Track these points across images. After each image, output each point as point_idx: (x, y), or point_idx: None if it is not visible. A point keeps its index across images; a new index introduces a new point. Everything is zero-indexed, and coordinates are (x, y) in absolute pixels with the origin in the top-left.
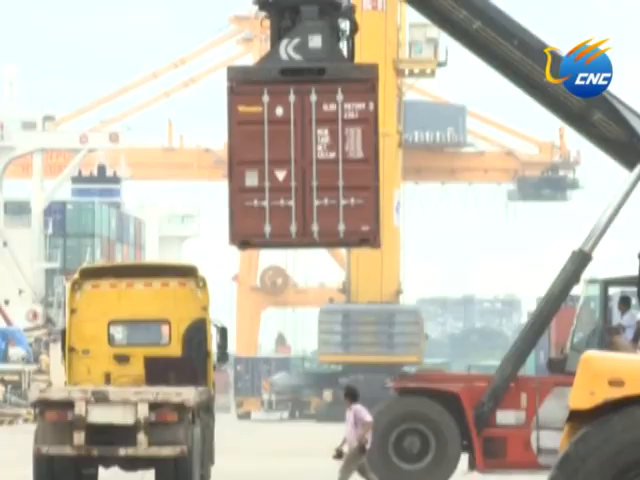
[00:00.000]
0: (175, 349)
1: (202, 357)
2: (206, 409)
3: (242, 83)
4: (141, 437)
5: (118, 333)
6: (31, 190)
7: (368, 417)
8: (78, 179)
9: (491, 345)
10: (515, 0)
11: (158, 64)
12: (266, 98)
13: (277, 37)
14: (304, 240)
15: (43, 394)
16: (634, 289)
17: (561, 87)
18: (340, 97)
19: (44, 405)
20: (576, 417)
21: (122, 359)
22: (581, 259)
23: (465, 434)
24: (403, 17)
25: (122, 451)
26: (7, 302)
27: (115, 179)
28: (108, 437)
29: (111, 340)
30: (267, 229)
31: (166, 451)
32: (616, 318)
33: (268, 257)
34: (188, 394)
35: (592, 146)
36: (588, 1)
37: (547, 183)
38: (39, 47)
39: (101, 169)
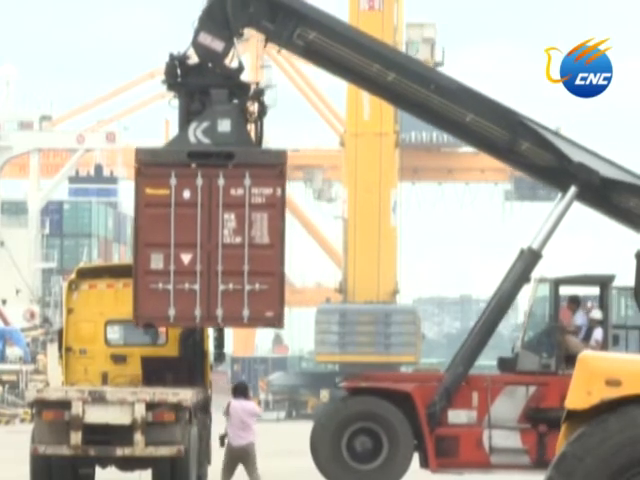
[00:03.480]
0: (172, 349)
1: (199, 357)
2: (203, 409)
3: (150, 165)
4: (138, 437)
5: (115, 333)
6: (28, 190)
7: None
8: (75, 179)
9: (488, 345)
10: (516, 1)
11: (155, 64)
12: (174, 181)
13: (186, 119)
14: (208, 323)
15: (40, 394)
16: (585, 288)
17: (484, 123)
18: (248, 182)
19: (41, 405)
20: (573, 417)
21: (119, 359)
22: (531, 257)
23: (417, 433)
24: (400, 17)
25: (119, 451)
26: (4, 302)
27: (112, 179)
28: (105, 437)
29: (108, 340)
30: (171, 312)
31: (163, 451)
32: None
33: None
34: (185, 394)
35: (590, 145)
36: (588, 1)
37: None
38: (36, 47)
39: (98, 169)
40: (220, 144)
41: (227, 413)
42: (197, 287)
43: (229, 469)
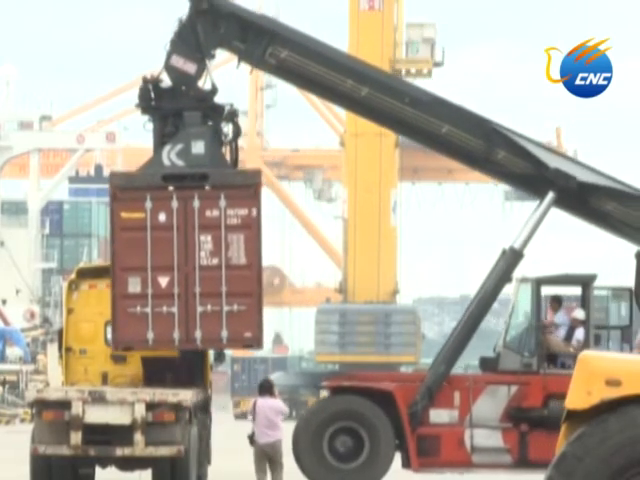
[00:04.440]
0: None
1: (199, 357)
2: (203, 409)
3: (125, 189)
4: (138, 437)
5: None
6: (28, 190)
7: None
8: (75, 179)
9: (488, 345)
10: (516, 1)
11: (155, 64)
12: (149, 204)
13: (160, 142)
14: (187, 346)
15: (40, 394)
16: (567, 288)
17: (460, 134)
18: (223, 203)
19: (41, 405)
20: (573, 417)
21: (119, 359)
22: (512, 257)
23: (399, 433)
24: (400, 17)
25: (119, 451)
26: (4, 302)
27: None
28: (105, 437)
29: (108, 340)
30: (150, 336)
31: (163, 451)
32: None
33: (265, 257)
34: (185, 394)
35: (590, 145)
36: (588, 1)
37: None
38: (36, 47)
39: (98, 169)
40: (194, 166)
41: (253, 412)
42: (175, 310)
43: (261, 468)
